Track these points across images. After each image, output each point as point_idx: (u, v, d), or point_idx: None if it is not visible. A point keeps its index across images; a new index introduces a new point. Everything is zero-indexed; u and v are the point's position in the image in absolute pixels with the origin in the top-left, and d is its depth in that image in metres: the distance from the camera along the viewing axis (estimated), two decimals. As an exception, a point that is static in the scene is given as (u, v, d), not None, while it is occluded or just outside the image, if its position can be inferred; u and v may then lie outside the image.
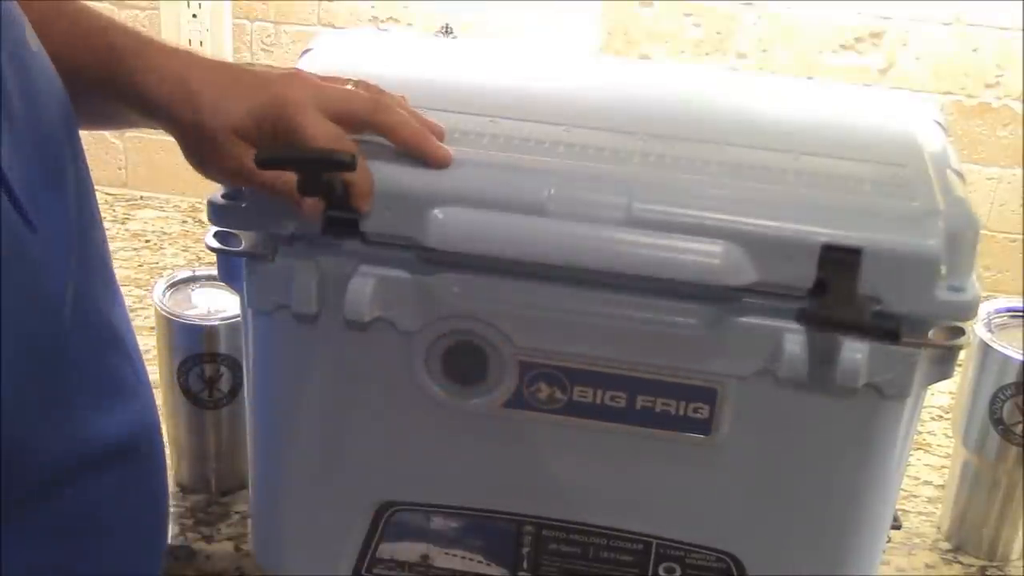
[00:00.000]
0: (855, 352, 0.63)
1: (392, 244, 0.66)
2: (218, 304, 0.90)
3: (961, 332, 0.64)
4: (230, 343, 0.88)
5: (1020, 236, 1.33)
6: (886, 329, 0.63)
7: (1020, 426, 0.87)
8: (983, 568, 0.92)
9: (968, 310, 0.63)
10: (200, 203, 1.36)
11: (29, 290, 0.54)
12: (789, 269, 0.62)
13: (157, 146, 1.43)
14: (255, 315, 0.69)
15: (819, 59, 1.29)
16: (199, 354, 0.87)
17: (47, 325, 0.56)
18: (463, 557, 0.74)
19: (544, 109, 0.72)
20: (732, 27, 1.30)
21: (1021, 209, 1.32)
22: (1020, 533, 0.92)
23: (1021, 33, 1.24)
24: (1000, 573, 0.92)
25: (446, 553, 0.74)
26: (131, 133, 1.40)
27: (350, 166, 0.60)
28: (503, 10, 1.33)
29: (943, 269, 0.62)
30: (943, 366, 0.66)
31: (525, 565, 0.74)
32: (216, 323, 0.87)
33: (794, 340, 0.64)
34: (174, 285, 0.91)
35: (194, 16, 1.30)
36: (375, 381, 0.69)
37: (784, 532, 0.71)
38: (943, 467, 1.00)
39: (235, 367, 0.89)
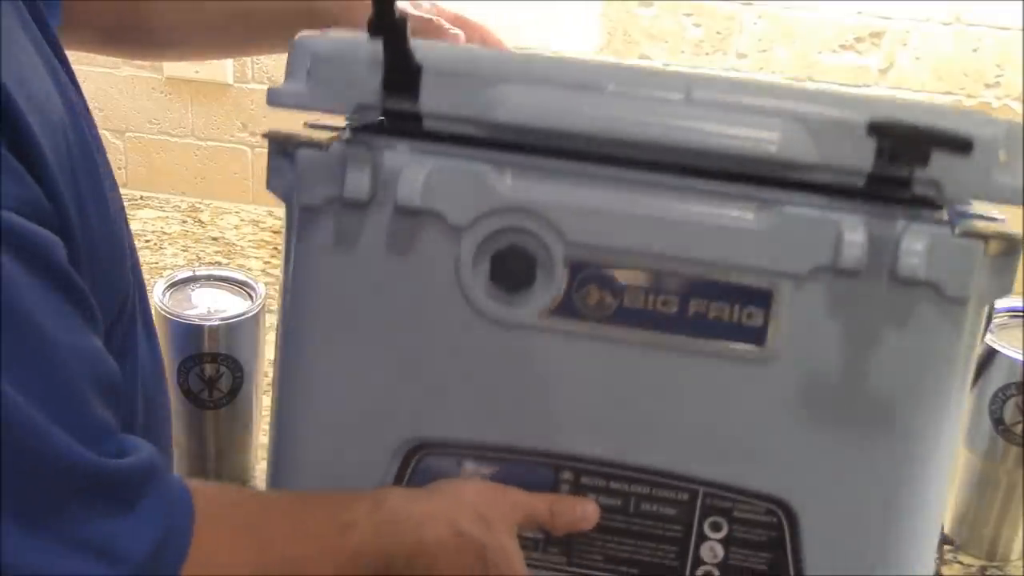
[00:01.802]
0: (915, 242, 0.62)
1: (449, 135, 0.65)
2: (218, 304, 0.90)
3: (1018, 236, 0.63)
4: (230, 343, 0.88)
5: (1021, 234, 1.33)
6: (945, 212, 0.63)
7: (1020, 426, 0.87)
8: (983, 568, 0.92)
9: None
10: (200, 203, 1.37)
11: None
12: (848, 149, 0.62)
13: (157, 146, 1.43)
14: (301, 217, 0.68)
15: (819, 59, 1.29)
16: (199, 354, 0.87)
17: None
18: None
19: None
20: (732, 27, 1.30)
21: (1021, 209, 1.32)
22: (1020, 533, 0.92)
23: (1021, 33, 1.24)
24: (1000, 573, 0.92)
25: None
26: (131, 133, 1.40)
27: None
28: (503, 10, 1.33)
29: (1002, 155, 0.62)
30: (1002, 277, 0.64)
31: None
32: (216, 323, 0.87)
33: (853, 229, 0.62)
34: (174, 285, 0.91)
35: (194, 16, 1.30)
36: (418, 286, 0.67)
37: (838, 470, 0.66)
38: (943, 467, 1.00)
39: (235, 367, 0.89)
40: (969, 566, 0.92)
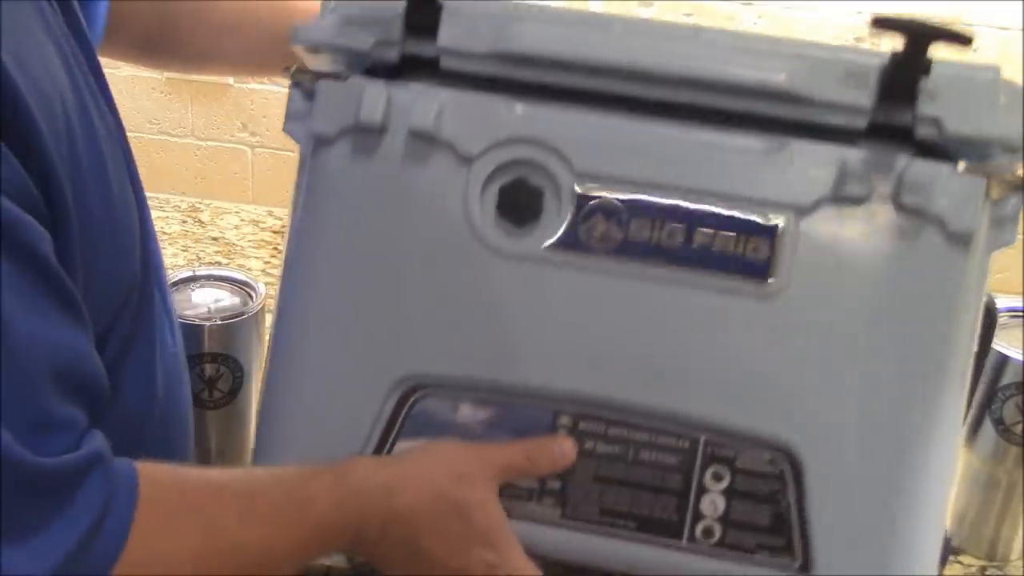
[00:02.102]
0: (919, 176, 0.63)
1: (464, 75, 0.67)
2: (218, 304, 0.90)
3: (1019, 181, 0.65)
4: (230, 343, 0.88)
5: (1020, 236, 1.33)
6: (946, 149, 0.64)
7: (1020, 426, 0.87)
8: (983, 568, 0.92)
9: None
10: (200, 203, 1.37)
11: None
12: (851, 86, 0.64)
13: (157, 146, 1.43)
14: (315, 148, 0.69)
15: (819, 59, 1.29)
16: (199, 354, 0.87)
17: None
18: None
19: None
20: (732, 27, 1.30)
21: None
22: (1020, 533, 0.92)
23: (1021, 33, 1.24)
24: (1000, 573, 0.92)
25: None
26: (131, 133, 1.40)
27: None
28: None
29: (1002, 97, 0.63)
30: (1003, 227, 0.66)
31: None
32: (216, 323, 0.87)
33: (856, 162, 0.64)
34: (174, 285, 0.91)
35: (194, 16, 1.30)
36: (425, 218, 0.68)
37: (845, 413, 0.65)
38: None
39: (235, 367, 0.88)
40: (969, 566, 0.92)
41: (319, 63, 0.70)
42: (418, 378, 0.68)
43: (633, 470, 0.67)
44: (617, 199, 0.66)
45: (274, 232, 1.33)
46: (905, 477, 0.65)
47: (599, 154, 0.66)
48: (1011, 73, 1.35)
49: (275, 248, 1.29)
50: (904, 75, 0.63)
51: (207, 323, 0.87)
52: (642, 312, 0.66)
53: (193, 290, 0.91)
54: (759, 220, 0.65)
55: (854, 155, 0.64)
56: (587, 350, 0.66)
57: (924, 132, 0.64)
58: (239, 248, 1.29)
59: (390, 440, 0.69)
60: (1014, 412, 0.86)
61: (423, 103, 0.67)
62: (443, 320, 0.67)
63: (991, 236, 0.66)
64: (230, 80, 1.39)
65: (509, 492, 0.68)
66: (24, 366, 0.54)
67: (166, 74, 1.40)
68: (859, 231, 0.64)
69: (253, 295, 0.92)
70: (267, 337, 0.99)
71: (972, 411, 0.88)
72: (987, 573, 0.91)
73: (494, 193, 0.67)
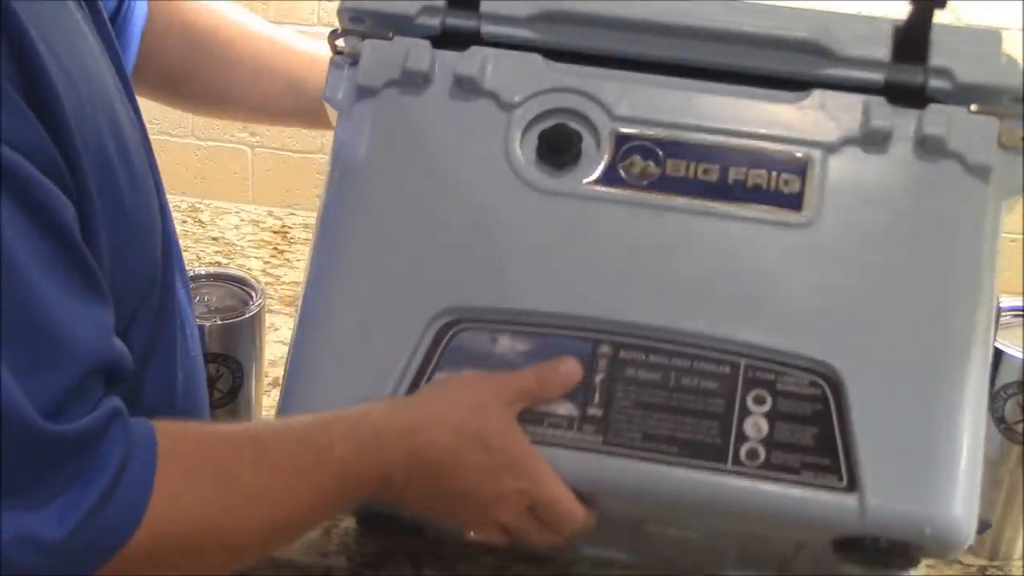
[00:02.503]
0: (936, 117, 0.69)
1: (504, 42, 0.73)
2: (218, 304, 0.90)
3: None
4: (230, 343, 0.88)
5: (1020, 236, 1.33)
6: (958, 96, 0.70)
7: (1021, 425, 0.87)
8: (983, 568, 0.92)
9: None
10: (200, 203, 1.37)
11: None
12: (870, 42, 0.71)
13: (157, 146, 1.43)
14: (358, 96, 0.73)
15: (819, 59, 1.29)
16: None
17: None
18: None
19: None
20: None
21: (1021, 209, 1.32)
22: (1021, 532, 0.91)
23: (1021, 33, 1.24)
24: (1000, 573, 0.91)
25: None
26: (131, 133, 1.40)
27: None
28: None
29: (1003, 48, 0.71)
30: (1012, 177, 0.70)
31: (596, 399, 0.68)
32: (216, 323, 0.87)
33: (879, 105, 0.70)
34: (174, 285, 0.91)
35: (194, 16, 1.30)
36: (466, 159, 0.71)
37: (882, 333, 0.67)
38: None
39: (235, 367, 0.88)
40: (969, 566, 0.92)
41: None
42: (458, 311, 0.69)
43: (674, 396, 0.68)
44: (654, 139, 0.70)
45: (274, 232, 1.33)
46: (943, 396, 0.66)
47: (636, 101, 0.71)
48: (1012, 72, 1.34)
49: (275, 248, 1.29)
50: (916, 31, 0.70)
51: (207, 323, 0.87)
52: (681, 241, 0.69)
53: (193, 290, 0.91)
54: (789, 157, 0.69)
55: (876, 101, 0.69)
56: (627, 278, 0.68)
57: (936, 84, 0.70)
58: (239, 248, 1.29)
59: (427, 373, 0.69)
60: (1015, 411, 0.86)
61: (468, 55, 0.72)
62: (483, 254, 0.69)
63: (1003, 180, 0.70)
64: (230, 80, 1.39)
65: (549, 421, 0.68)
66: (49, 333, 0.54)
67: (166, 74, 1.40)
68: (885, 166, 0.69)
69: (253, 295, 0.92)
70: (267, 337, 0.99)
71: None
72: (988, 573, 0.91)
73: (534, 138, 0.70)
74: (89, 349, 0.57)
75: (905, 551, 0.66)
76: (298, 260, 1.27)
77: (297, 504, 0.63)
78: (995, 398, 0.87)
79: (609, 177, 0.70)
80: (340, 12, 0.75)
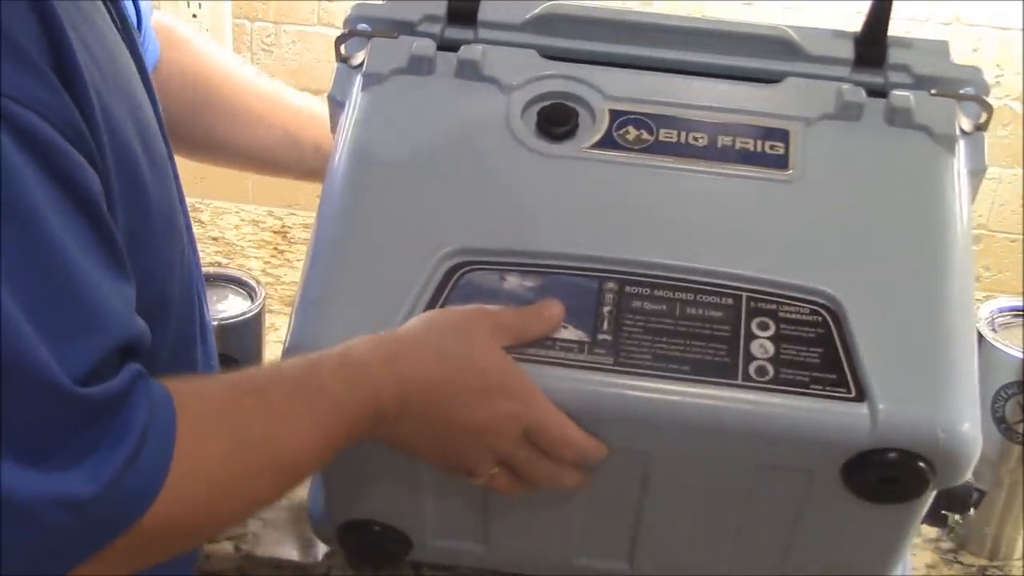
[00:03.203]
0: (902, 97, 0.77)
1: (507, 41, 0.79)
2: (218, 304, 0.90)
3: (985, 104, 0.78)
4: (230, 343, 0.88)
5: (1020, 236, 1.33)
6: (917, 87, 0.78)
7: (1022, 425, 0.87)
8: (983, 568, 0.92)
9: (977, 74, 0.79)
10: (200, 203, 1.36)
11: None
12: (836, 40, 0.82)
13: (156, 146, 1.43)
14: (365, 82, 0.78)
15: (819, 59, 1.29)
16: (199, 354, 0.87)
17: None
18: None
19: None
20: (732, 27, 1.30)
21: (1021, 209, 1.32)
22: (1022, 532, 0.91)
23: (1021, 33, 1.24)
24: (1000, 573, 0.91)
25: None
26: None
27: None
28: None
29: (950, 51, 0.81)
30: (976, 150, 0.77)
31: (605, 326, 0.69)
32: (216, 323, 0.87)
33: (851, 88, 0.77)
34: (174, 285, 0.91)
35: (194, 16, 1.30)
36: (472, 129, 0.75)
37: (871, 265, 0.71)
38: (944, 467, 1.00)
39: (235, 367, 0.88)
40: (970, 566, 0.92)
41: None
42: (466, 251, 0.71)
43: (681, 323, 0.69)
44: (646, 114, 0.76)
45: (274, 232, 1.33)
46: (936, 315, 0.70)
47: (628, 86, 0.77)
48: (1011, 73, 1.36)
49: (275, 248, 1.29)
50: (876, 31, 0.80)
51: (207, 323, 0.87)
52: (678, 192, 0.74)
53: (193, 290, 0.91)
54: (773, 127, 0.76)
55: (848, 86, 0.77)
56: (629, 222, 0.72)
57: (896, 78, 0.78)
58: (239, 248, 1.29)
59: (439, 303, 0.70)
60: (1016, 411, 0.86)
61: (468, 48, 0.78)
62: (489, 203, 0.73)
63: (969, 155, 0.76)
64: (230, 80, 1.39)
65: (560, 345, 0.69)
66: (84, 301, 0.55)
67: (166, 74, 1.40)
68: (860, 134, 0.76)
69: (253, 295, 0.92)
70: (267, 337, 0.99)
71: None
72: (988, 573, 0.91)
73: (533, 115, 0.76)
74: (120, 323, 0.57)
75: (916, 469, 0.67)
76: (298, 260, 1.27)
77: (302, 448, 0.64)
78: (996, 398, 0.87)
79: (605, 143, 0.75)
80: (347, 22, 0.79)
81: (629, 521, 0.76)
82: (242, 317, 0.89)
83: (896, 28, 1.26)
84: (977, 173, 0.77)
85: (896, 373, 0.67)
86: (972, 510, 0.78)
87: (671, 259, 0.71)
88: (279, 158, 0.94)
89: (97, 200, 0.56)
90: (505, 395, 0.67)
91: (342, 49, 0.80)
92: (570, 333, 0.69)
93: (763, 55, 0.79)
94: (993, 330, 0.89)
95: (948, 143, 0.75)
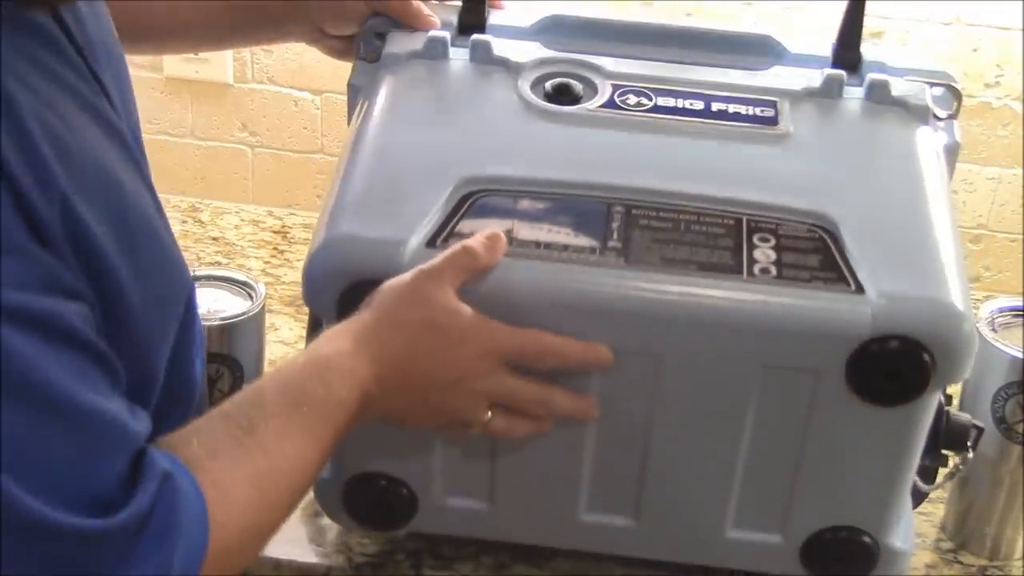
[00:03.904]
0: (880, 79, 0.85)
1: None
2: (218, 304, 0.90)
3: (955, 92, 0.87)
4: (230, 343, 0.88)
5: (1020, 236, 1.33)
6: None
7: (1022, 425, 0.87)
8: (983, 568, 0.92)
9: (947, 72, 0.88)
10: (200, 203, 1.36)
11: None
12: (814, 44, 0.90)
13: (157, 146, 1.43)
14: (385, 62, 0.86)
15: (819, 59, 1.29)
16: (199, 354, 0.87)
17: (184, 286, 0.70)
18: (550, 230, 0.75)
19: None
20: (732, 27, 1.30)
21: (1021, 209, 1.32)
22: (1022, 532, 0.91)
23: (1021, 33, 1.24)
24: (1000, 573, 0.91)
25: (532, 226, 0.75)
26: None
27: None
28: (503, 10, 1.32)
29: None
30: (950, 131, 0.85)
31: (615, 236, 0.74)
32: (216, 323, 0.87)
33: (832, 73, 0.85)
34: (174, 285, 0.91)
35: (194, 16, 1.30)
36: (484, 95, 0.84)
37: (861, 190, 0.78)
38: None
39: (235, 367, 0.88)
40: (969, 566, 0.92)
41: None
42: (481, 180, 0.76)
43: (686, 236, 0.74)
44: (646, 87, 0.84)
45: (274, 232, 1.33)
46: (924, 226, 0.76)
47: (628, 68, 0.86)
48: (1011, 73, 1.36)
49: (275, 248, 1.29)
50: (852, 30, 0.87)
51: (207, 323, 0.87)
52: (678, 141, 0.80)
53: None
54: (762, 98, 0.84)
55: (830, 70, 0.85)
56: (634, 160, 0.79)
57: (871, 73, 0.85)
58: (239, 248, 1.29)
59: (451, 225, 0.74)
60: (1016, 411, 0.86)
61: (481, 36, 0.86)
62: (504, 147, 0.80)
63: (944, 134, 0.84)
64: (230, 80, 1.39)
65: (572, 249, 0.73)
66: (85, 441, 0.56)
67: (166, 74, 1.40)
68: (843, 107, 0.84)
69: (253, 295, 0.92)
70: (267, 337, 0.99)
71: (974, 410, 0.88)
72: (988, 573, 0.91)
73: (541, 88, 0.84)
74: (130, 433, 0.58)
75: (917, 358, 0.70)
76: (298, 260, 1.27)
77: (308, 461, 0.66)
78: (995, 398, 0.87)
79: (608, 106, 0.82)
80: (365, 31, 0.88)
81: (636, 458, 0.77)
82: (242, 317, 0.89)
83: (896, 28, 1.27)
84: (952, 149, 0.84)
85: (892, 271, 0.72)
86: (971, 451, 0.81)
87: (674, 186, 0.76)
88: (222, 25, 0.96)
89: (78, 329, 0.56)
90: (470, 340, 0.70)
91: (360, 47, 0.86)
92: (581, 240, 0.73)
93: (749, 54, 0.87)
94: (993, 330, 0.89)
95: (922, 114, 0.83)
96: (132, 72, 0.74)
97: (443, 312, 0.69)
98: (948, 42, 1.26)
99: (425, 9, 0.90)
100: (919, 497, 0.83)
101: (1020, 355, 0.85)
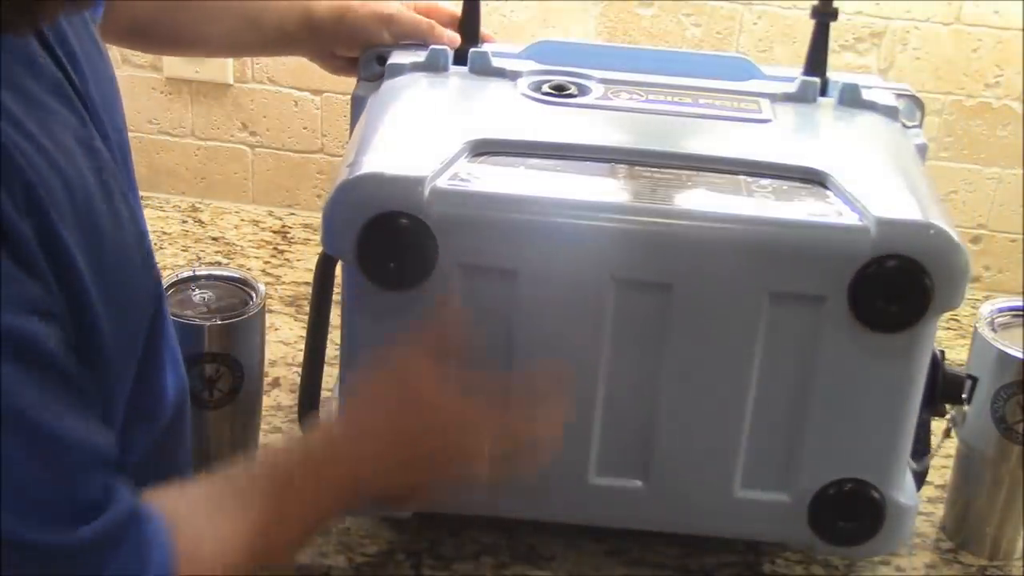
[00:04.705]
0: (852, 88, 0.92)
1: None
2: (218, 304, 0.90)
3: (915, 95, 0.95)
4: (230, 343, 0.88)
5: (1020, 236, 1.33)
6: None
7: (1022, 424, 0.87)
8: (983, 568, 0.92)
9: (908, 88, 0.95)
10: (200, 203, 1.36)
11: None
12: (787, 71, 0.97)
13: (157, 146, 1.43)
14: (389, 73, 0.92)
15: (819, 59, 1.29)
16: (199, 354, 0.87)
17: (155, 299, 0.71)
18: (556, 178, 0.80)
19: None
20: (732, 27, 1.30)
21: (1021, 209, 1.32)
22: (1022, 532, 0.91)
23: (1021, 33, 1.24)
24: (1000, 573, 0.91)
25: (539, 174, 0.79)
26: (131, 133, 1.39)
27: None
28: (503, 10, 1.33)
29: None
30: (917, 136, 0.92)
31: (620, 184, 0.79)
32: (216, 323, 0.87)
33: (808, 82, 0.92)
34: (174, 285, 0.91)
35: (194, 16, 1.30)
36: (487, 92, 0.91)
37: (846, 153, 0.85)
38: (944, 467, 0.99)
39: (235, 367, 0.88)
40: (969, 566, 0.92)
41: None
42: (489, 143, 0.81)
43: (688, 184, 0.80)
44: (637, 88, 0.91)
45: (274, 232, 1.33)
46: (902, 172, 0.83)
47: (617, 76, 0.93)
48: (1011, 73, 1.36)
49: (275, 248, 1.29)
50: (819, 52, 0.93)
51: (207, 323, 0.87)
52: (671, 122, 0.87)
53: (193, 290, 0.91)
54: (744, 97, 0.91)
55: (804, 77, 0.93)
56: (633, 130, 0.86)
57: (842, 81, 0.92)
58: (239, 248, 1.29)
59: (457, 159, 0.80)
60: (1016, 411, 0.86)
61: (478, 50, 0.93)
62: (508, 123, 0.85)
63: (914, 137, 0.91)
64: (230, 80, 1.39)
65: (579, 188, 0.78)
66: (58, 461, 0.57)
67: (166, 74, 1.40)
68: (818, 110, 0.92)
69: (253, 295, 0.92)
70: (267, 337, 0.99)
71: (974, 410, 0.88)
72: (988, 573, 0.91)
73: (539, 88, 0.90)
74: (100, 452, 0.60)
75: (915, 279, 0.74)
76: (298, 260, 1.27)
77: (295, 537, 0.71)
78: (996, 398, 0.87)
79: (604, 101, 0.89)
80: (367, 54, 0.94)
81: (646, 410, 0.79)
82: (242, 317, 0.88)
83: (896, 28, 1.27)
84: (921, 150, 0.90)
85: (887, 204, 0.76)
86: (967, 404, 0.84)
87: (673, 148, 0.82)
88: (244, 42, 1.01)
89: (53, 353, 0.57)
90: (452, 421, 0.73)
91: (362, 70, 0.93)
92: (587, 185, 0.78)
93: (727, 72, 0.94)
94: (993, 330, 0.89)
95: (892, 113, 0.91)
96: (132, 72, 0.75)
97: (428, 396, 0.72)
98: (948, 42, 1.26)
99: (439, 27, 0.95)
100: (918, 478, 0.84)
101: (1020, 355, 0.85)
